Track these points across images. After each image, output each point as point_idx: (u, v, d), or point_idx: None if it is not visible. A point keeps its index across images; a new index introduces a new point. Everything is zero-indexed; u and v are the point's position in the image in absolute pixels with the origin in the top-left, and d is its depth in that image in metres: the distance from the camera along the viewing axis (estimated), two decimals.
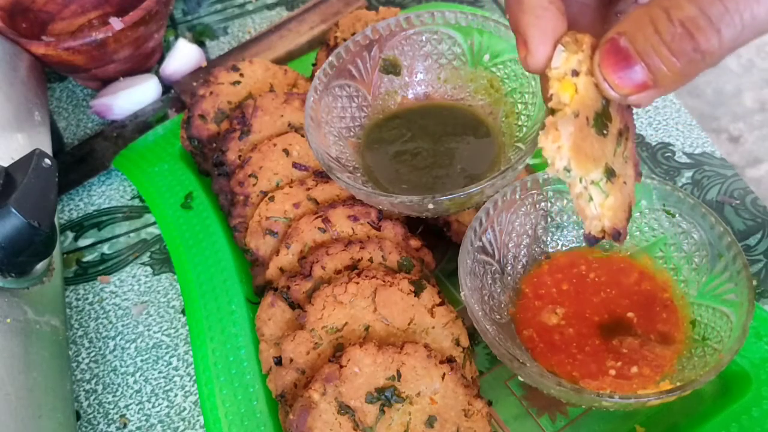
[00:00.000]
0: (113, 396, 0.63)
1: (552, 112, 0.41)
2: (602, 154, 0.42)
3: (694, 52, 0.32)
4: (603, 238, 0.42)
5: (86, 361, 0.65)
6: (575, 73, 0.39)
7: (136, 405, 0.62)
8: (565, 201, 0.58)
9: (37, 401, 0.51)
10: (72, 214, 0.77)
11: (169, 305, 0.68)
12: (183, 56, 0.86)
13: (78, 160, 0.80)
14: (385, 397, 0.49)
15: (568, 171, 0.41)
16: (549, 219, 0.59)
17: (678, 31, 0.32)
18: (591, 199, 0.42)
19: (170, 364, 0.64)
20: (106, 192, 0.78)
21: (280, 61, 0.85)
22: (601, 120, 0.41)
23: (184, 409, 0.61)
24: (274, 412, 0.55)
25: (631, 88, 0.35)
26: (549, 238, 0.59)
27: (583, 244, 0.59)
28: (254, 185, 0.64)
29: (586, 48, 0.39)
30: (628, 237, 0.57)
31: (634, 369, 0.50)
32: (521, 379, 0.56)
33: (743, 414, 0.52)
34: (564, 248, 0.59)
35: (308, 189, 0.63)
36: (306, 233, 0.59)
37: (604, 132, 0.42)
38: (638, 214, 0.57)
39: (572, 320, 0.54)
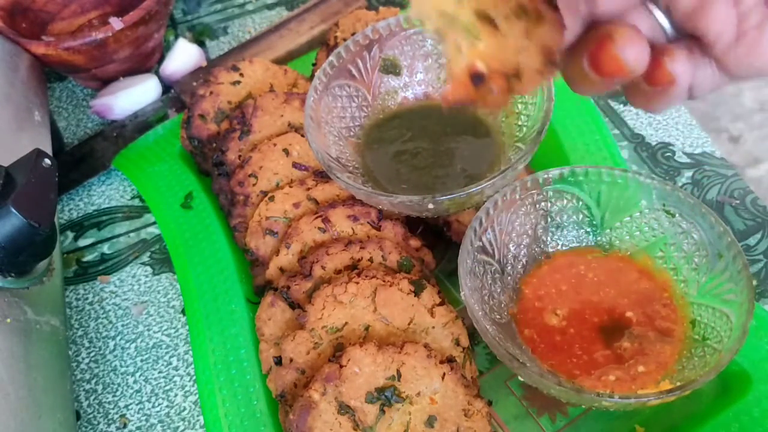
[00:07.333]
0: (113, 396, 0.63)
1: None
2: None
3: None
4: (481, 80, 0.33)
5: (86, 361, 0.65)
6: None
7: (136, 405, 0.62)
8: (565, 201, 0.58)
9: (37, 401, 0.51)
10: (72, 214, 0.77)
11: (169, 305, 0.68)
12: (183, 56, 0.86)
13: (78, 160, 0.80)
14: (385, 397, 0.49)
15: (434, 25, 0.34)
16: (549, 219, 0.59)
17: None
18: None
19: (170, 364, 0.64)
20: (106, 192, 0.78)
21: (280, 61, 0.85)
22: None
23: (184, 409, 0.61)
24: (274, 412, 0.55)
25: None
26: (549, 238, 0.59)
27: (584, 244, 0.59)
28: (254, 185, 0.64)
29: None
30: (628, 236, 0.58)
31: (641, 368, 0.50)
32: (521, 379, 0.56)
33: (743, 414, 0.52)
34: (564, 248, 0.59)
35: (308, 189, 0.63)
36: (306, 233, 0.59)
37: None
38: (638, 213, 0.57)
39: (573, 320, 0.54)
